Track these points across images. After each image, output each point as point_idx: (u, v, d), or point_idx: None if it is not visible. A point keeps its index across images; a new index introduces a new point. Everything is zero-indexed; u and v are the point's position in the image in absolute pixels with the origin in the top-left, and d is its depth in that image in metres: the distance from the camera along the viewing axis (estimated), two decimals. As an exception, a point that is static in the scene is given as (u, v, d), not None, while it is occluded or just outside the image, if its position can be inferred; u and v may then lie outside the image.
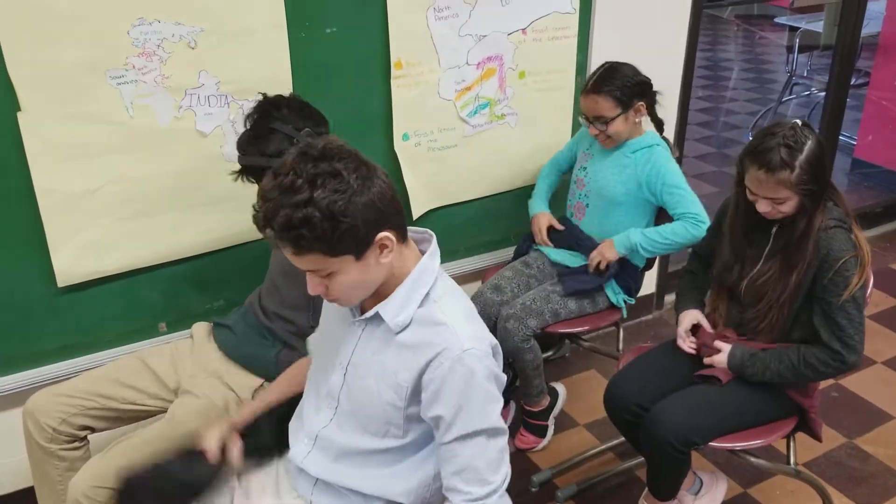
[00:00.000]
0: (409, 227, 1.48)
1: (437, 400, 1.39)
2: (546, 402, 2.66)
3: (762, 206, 1.92)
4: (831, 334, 1.93)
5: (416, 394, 1.43)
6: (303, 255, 1.31)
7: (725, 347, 2.05)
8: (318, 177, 1.27)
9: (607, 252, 2.46)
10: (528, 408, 2.65)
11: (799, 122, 1.88)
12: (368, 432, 1.49)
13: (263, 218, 1.29)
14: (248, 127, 1.94)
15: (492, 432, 1.41)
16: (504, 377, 1.47)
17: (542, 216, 2.66)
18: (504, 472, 1.44)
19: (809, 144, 1.85)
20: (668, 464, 2.03)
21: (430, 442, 1.50)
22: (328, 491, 1.55)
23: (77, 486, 1.78)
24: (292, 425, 1.64)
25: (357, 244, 1.32)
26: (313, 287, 1.39)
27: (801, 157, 1.84)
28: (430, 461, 1.51)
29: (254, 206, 1.33)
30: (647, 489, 2.19)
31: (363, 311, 1.49)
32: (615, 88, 2.36)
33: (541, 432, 2.68)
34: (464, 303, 1.50)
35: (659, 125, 2.55)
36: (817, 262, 1.90)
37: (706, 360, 2.08)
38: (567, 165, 2.74)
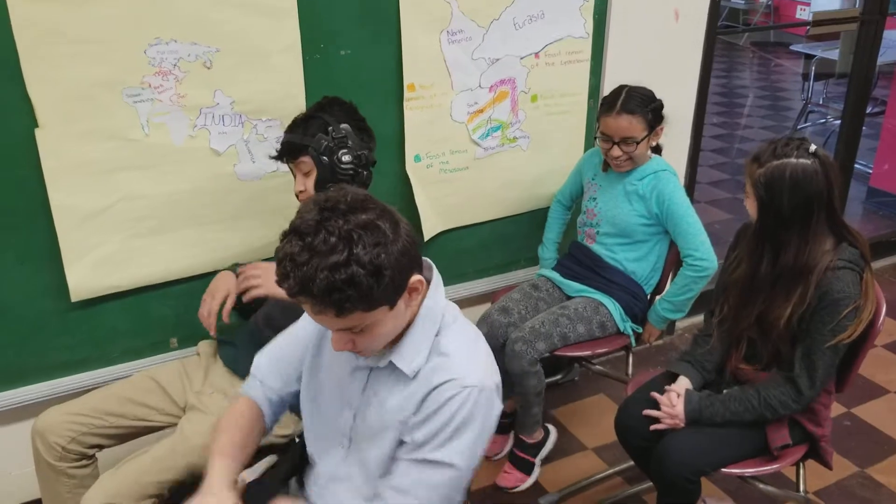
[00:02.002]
0: None
1: (426, 423, 1.37)
2: (540, 435, 2.62)
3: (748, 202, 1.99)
4: (804, 370, 1.93)
5: (403, 425, 1.41)
6: (344, 316, 1.24)
7: (680, 393, 2.04)
8: (354, 231, 1.20)
9: (653, 334, 2.59)
10: (521, 437, 2.59)
11: (813, 146, 1.88)
12: (373, 474, 1.48)
13: (299, 285, 1.20)
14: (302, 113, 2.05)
15: (456, 471, 1.37)
16: (499, 410, 1.44)
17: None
18: None
19: (790, 161, 1.85)
20: (678, 493, 2.01)
21: None
22: None
23: (90, 503, 1.78)
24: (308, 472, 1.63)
25: (394, 293, 1.28)
26: (340, 344, 1.33)
27: (772, 164, 1.86)
28: None
29: (279, 273, 1.23)
30: None
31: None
32: (647, 110, 2.37)
33: (527, 469, 2.60)
34: (468, 334, 1.47)
35: (658, 150, 2.55)
36: (816, 300, 1.90)
37: (664, 426, 2.04)
38: (572, 200, 2.74)
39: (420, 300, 1.40)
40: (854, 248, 1.92)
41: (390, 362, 1.41)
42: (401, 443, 1.43)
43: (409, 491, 1.38)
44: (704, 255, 2.41)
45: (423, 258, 1.47)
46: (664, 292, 2.54)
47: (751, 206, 1.96)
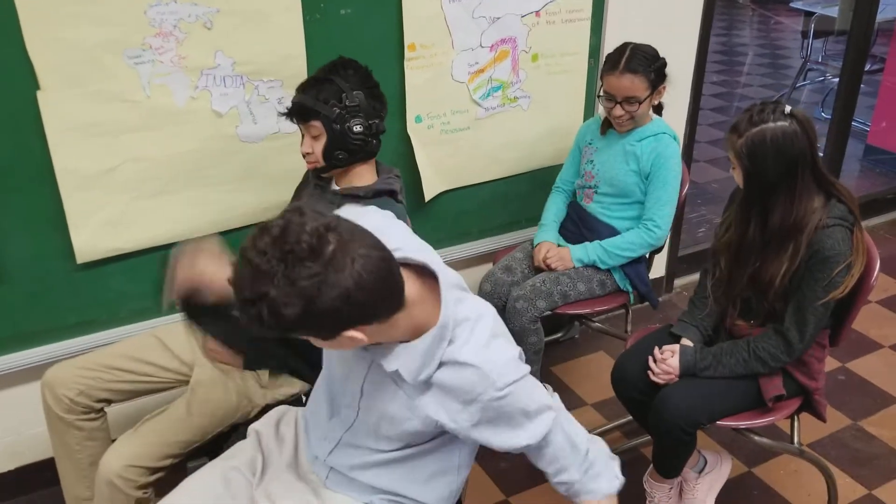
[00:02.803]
0: (409, 262, 1.37)
1: (500, 430, 1.39)
2: None
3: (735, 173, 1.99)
4: (794, 324, 1.97)
5: (450, 426, 1.40)
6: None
7: (675, 350, 2.08)
8: (275, 275, 1.15)
9: (567, 260, 2.51)
10: None
11: (788, 107, 1.89)
12: (385, 438, 1.49)
13: (233, 284, 1.20)
14: (315, 73, 2.00)
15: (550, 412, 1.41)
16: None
17: (546, 244, 2.57)
18: (583, 433, 1.48)
19: (770, 126, 1.86)
20: (675, 445, 2.06)
21: (446, 445, 1.51)
22: (341, 477, 1.58)
23: (109, 466, 1.82)
24: (311, 419, 1.64)
25: (318, 335, 1.27)
26: None
27: (751, 132, 1.87)
28: (448, 464, 1.54)
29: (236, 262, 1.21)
30: (651, 467, 2.22)
31: None
32: (651, 70, 2.36)
33: None
34: (485, 325, 1.39)
35: (659, 109, 2.55)
36: (808, 257, 1.92)
37: (659, 380, 2.08)
38: (573, 185, 2.69)
39: (423, 308, 1.35)
40: (843, 204, 1.95)
41: (398, 373, 1.38)
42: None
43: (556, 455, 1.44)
44: (661, 226, 2.45)
45: (429, 263, 1.38)
46: (605, 241, 2.50)
47: (738, 176, 1.97)
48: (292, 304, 1.16)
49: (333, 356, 1.56)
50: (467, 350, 1.35)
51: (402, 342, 1.36)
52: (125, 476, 1.82)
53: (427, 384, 1.38)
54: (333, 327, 1.24)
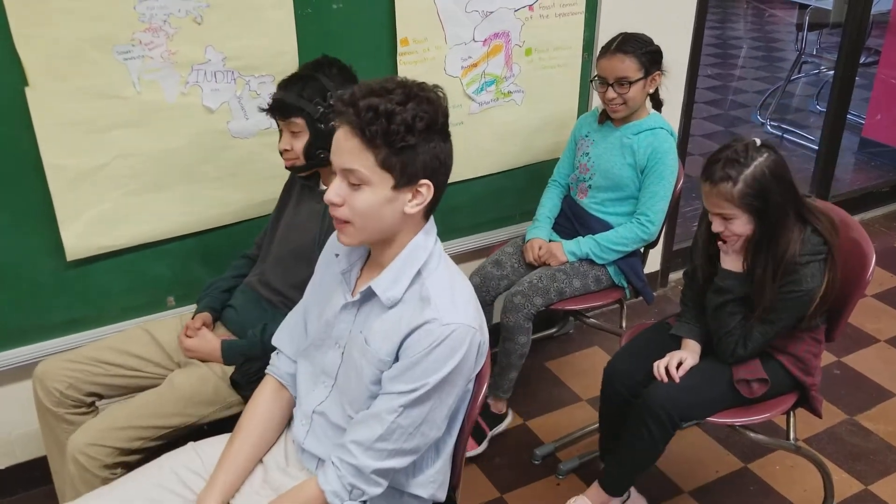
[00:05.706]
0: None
1: (405, 363, 1.42)
2: (503, 409, 2.63)
3: (714, 224, 1.94)
4: (742, 339, 2.00)
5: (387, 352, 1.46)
6: (364, 146, 1.35)
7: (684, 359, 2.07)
8: (415, 90, 1.37)
9: (559, 254, 2.50)
10: (487, 401, 2.59)
11: (758, 140, 1.90)
12: (354, 410, 1.51)
13: (350, 96, 1.37)
14: (298, 71, 1.99)
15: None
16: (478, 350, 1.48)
17: (537, 240, 2.57)
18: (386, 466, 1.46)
19: (759, 161, 1.85)
20: (648, 441, 2.02)
21: None
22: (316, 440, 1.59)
23: (74, 444, 1.82)
24: (295, 410, 1.67)
25: (404, 172, 1.37)
26: (334, 194, 1.40)
27: (747, 172, 1.85)
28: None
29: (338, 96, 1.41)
30: (596, 482, 2.20)
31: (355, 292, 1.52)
32: (642, 52, 2.37)
33: (479, 437, 2.56)
34: (456, 282, 1.49)
35: (659, 105, 2.54)
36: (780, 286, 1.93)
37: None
38: (569, 178, 2.67)
39: (413, 235, 1.46)
40: (817, 234, 1.93)
41: (370, 290, 1.46)
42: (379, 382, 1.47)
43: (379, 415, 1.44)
44: (654, 221, 2.45)
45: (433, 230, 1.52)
46: (598, 235, 2.50)
47: (741, 227, 1.91)
48: (425, 118, 1.36)
49: (319, 335, 1.60)
50: (432, 289, 1.43)
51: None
52: (89, 454, 1.80)
53: (391, 317, 1.45)
54: (429, 168, 1.40)
